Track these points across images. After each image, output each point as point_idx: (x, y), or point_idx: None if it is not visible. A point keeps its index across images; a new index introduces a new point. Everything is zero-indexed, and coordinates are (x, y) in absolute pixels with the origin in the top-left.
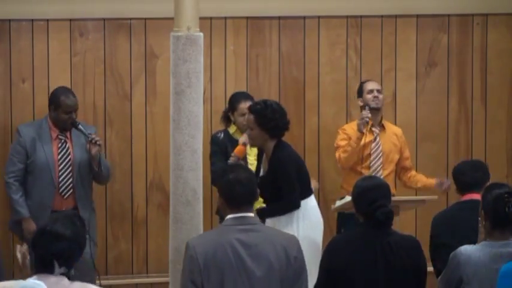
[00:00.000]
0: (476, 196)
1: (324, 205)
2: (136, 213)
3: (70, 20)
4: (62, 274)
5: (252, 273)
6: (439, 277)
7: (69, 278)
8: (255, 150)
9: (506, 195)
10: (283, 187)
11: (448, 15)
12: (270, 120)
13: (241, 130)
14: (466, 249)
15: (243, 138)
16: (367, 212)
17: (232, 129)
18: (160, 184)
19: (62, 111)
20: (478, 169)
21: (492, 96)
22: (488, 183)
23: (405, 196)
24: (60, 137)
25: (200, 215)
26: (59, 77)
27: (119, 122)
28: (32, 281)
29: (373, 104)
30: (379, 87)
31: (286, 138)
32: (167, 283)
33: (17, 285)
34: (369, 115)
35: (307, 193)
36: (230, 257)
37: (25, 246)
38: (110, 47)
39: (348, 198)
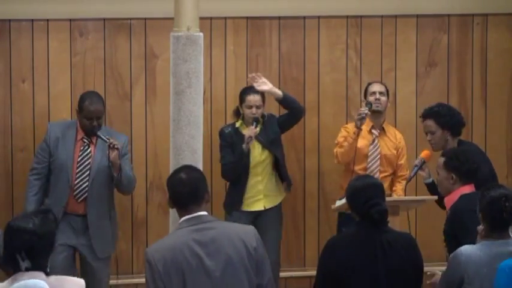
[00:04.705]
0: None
1: (324, 205)
2: (136, 213)
3: (70, 20)
4: (28, 269)
5: (212, 271)
6: (439, 280)
7: (46, 274)
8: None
9: (503, 198)
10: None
11: (448, 15)
12: (451, 117)
13: (247, 123)
14: (466, 249)
15: (249, 132)
16: (361, 211)
17: (238, 123)
18: (160, 184)
19: (83, 116)
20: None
21: (492, 96)
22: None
23: (405, 196)
24: (84, 139)
25: None
26: (59, 77)
27: (119, 122)
28: (33, 280)
29: (374, 106)
30: (382, 90)
31: (286, 138)
32: None
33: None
34: (366, 111)
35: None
36: (188, 258)
37: None
38: (110, 47)
39: None
